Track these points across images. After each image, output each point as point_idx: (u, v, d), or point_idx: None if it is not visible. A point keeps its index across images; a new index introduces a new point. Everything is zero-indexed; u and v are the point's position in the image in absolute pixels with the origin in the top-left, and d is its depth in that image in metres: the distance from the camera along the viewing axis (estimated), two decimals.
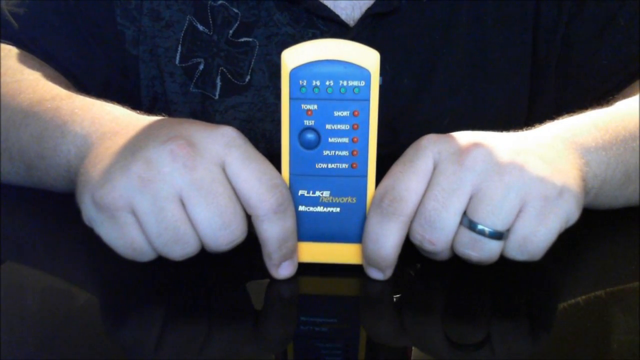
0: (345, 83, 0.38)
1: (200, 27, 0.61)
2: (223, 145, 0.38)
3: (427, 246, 0.38)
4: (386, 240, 0.38)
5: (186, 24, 0.61)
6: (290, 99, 0.38)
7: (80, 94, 0.50)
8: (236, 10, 0.60)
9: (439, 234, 0.37)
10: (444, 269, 0.41)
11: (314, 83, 0.38)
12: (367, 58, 0.37)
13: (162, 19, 0.61)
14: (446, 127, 0.52)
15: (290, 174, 0.39)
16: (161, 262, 0.38)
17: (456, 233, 0.37)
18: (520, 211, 0.37)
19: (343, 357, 0.34)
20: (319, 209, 0.40)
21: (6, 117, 0.50)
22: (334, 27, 0.60)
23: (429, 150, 0.38)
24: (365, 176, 0.39)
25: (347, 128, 0.38)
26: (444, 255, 0.39)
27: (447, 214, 0.37)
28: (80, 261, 0.44)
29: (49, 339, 0.35)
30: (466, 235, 0.37)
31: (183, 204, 0.37)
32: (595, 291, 0.40)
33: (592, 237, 0.47)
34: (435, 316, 0.38)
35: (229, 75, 0.61)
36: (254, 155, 0.38)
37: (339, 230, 0.40)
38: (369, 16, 0.59)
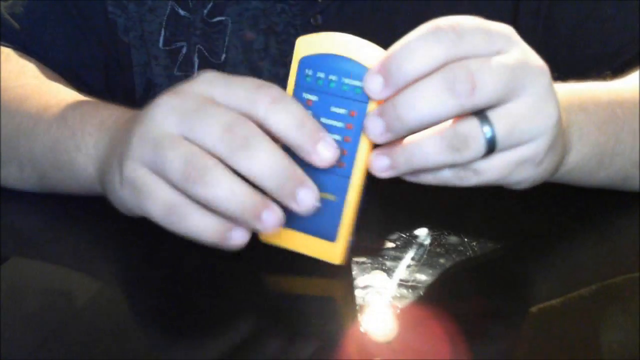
0: (348, 81, 0.37)
1: (182, 12, 0.61)
2: (205, 83, 0.38)
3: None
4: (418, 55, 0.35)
5: (168, 9, 0.62)
6: (295, 85, 0.38)
7: (81, 95, 0.50)
8: None
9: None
10: (445, 267, 0.41)
11: (318, 75, 0.38)
12: (376, 60, 0.36)
13: (146, 4, 0.62)
14: None
15: None
16: (161, 262, 0.38)
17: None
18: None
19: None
20: None
21: (16, 125, 0.50)
22: (302, 2, 0.60)
23: None
24: (348, 177, 0.38)
25: (340, 125, 0.38)
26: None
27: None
28: (81, 261, 0.44)
29: (49, 339, 0.35)
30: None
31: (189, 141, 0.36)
32: (595, 291, 0.40)
33: (591, 236, 0.47)
34: (435, 315, 0.38)
35: (206, 54, 0.62)
36: (235, 77, 0.38)
37: (315, 224, 0.39)
38: None
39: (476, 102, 0.35)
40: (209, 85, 0.38)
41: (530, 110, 0.36)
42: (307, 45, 0.38)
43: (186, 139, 0.36)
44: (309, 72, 0.38)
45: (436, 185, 0.39)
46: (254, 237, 0.39)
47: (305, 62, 0.38)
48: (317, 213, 0.38)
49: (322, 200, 0.38)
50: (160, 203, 0.37)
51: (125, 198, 0.39)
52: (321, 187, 0.38)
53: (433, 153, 0.36)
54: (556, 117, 0.38)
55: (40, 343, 0.35)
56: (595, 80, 0.50)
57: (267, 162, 0.36)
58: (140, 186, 0.37)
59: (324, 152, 0.37)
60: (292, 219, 0.39)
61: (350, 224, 0.39)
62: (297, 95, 0.38)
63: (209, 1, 0.61)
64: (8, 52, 0.59)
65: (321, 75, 0.38)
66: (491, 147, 0.36)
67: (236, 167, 0.36)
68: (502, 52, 0.36)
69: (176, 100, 0.37)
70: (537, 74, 0.37)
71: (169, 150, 0.36)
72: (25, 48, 0.60)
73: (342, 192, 0.39)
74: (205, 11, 0.61)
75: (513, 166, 0.38)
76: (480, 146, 0.36)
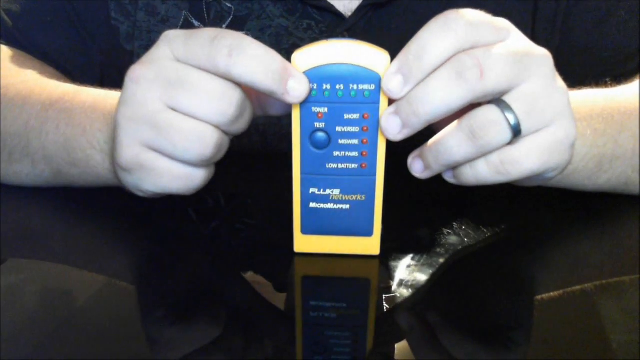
0: (355, 87, 0.38)
1: (196, 23, 0.61)
2: (167, 46, 0.38)
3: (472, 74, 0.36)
4: (435, 44, 0.36)
5: (182, 20, 0.61)
6: (302, 102, 0.38)
7: (80, 87, 0.50)
8: (229, 5, 0.60)
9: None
10: (445, 267, 0.41)
11: (324, 87, 0.38)
12: (378, 61, 0.37)
13: (158, 14, 0.61)
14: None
15: (302, 173, 0.40)
16: (161, 261, 0.38)
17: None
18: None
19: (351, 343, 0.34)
20: (329, 205, 0.41)
21: (24, 122, 0.50)
22: (330, 18, 0.60)
23: None
24: (374, 175, 0.40)
25: (357, 130, 0.39)
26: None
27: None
28: (81, 261, 0.43)
29: (49, 339, 0.35)
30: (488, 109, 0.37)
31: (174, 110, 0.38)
32: (595, 292, 0.40)
33: (592, 236, 0.47)
34: (439, 314, 0.38)
35: None
36: (192, 31, 0.38)
37: (349, 225, 0.41)
38: (365, 7, 0.59)
39: (486, 87, 0.36)
40: (170, 47, 0.38)
41: (543, 89, 0.37)
42: (305, 59, 0.38)
43: (173, 109, 0.38)
44: (314, 85, 0.38)
45: (478, 184, 0.39)
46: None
47: (307, 77, 0.38)
48: (352, 215, 0.41)
49: (353, 202, 0.41)
50: (171, 176, 0.39)
51: (138, 182, 0.40)
52: (351, 191, 0.40)
53: (456, 145, 0.37)
54: (567, 97, 0.38)
55: (40, 343, 0.35)
56: (595, 87, 0.51)
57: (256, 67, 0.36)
58: (150, 167, 0.39)
59: (296, 89, 0.37)
60: (328, 227, 0.42)
61: (380, 216, 0.41)
62: (305, 110, 0.38)
63: (229, 15, 0.61)
64: (6, 51, 0.59)
65: (327, 86, 0.38)
66: (515, 129, 0.37)
67: (230, 73, 0.37)
68: (505, 40, 0.37)
69: (150, 72, 0.38)
70: (541, 58, 0.38)
71: (176, 129, 0.37)
72: (21, 46, 0.60)
73: (371, 190, 0.41)
74: (224, 25, 0.60)
75: (550, 149, 0.38)
76: (502, 128, 0.36)
